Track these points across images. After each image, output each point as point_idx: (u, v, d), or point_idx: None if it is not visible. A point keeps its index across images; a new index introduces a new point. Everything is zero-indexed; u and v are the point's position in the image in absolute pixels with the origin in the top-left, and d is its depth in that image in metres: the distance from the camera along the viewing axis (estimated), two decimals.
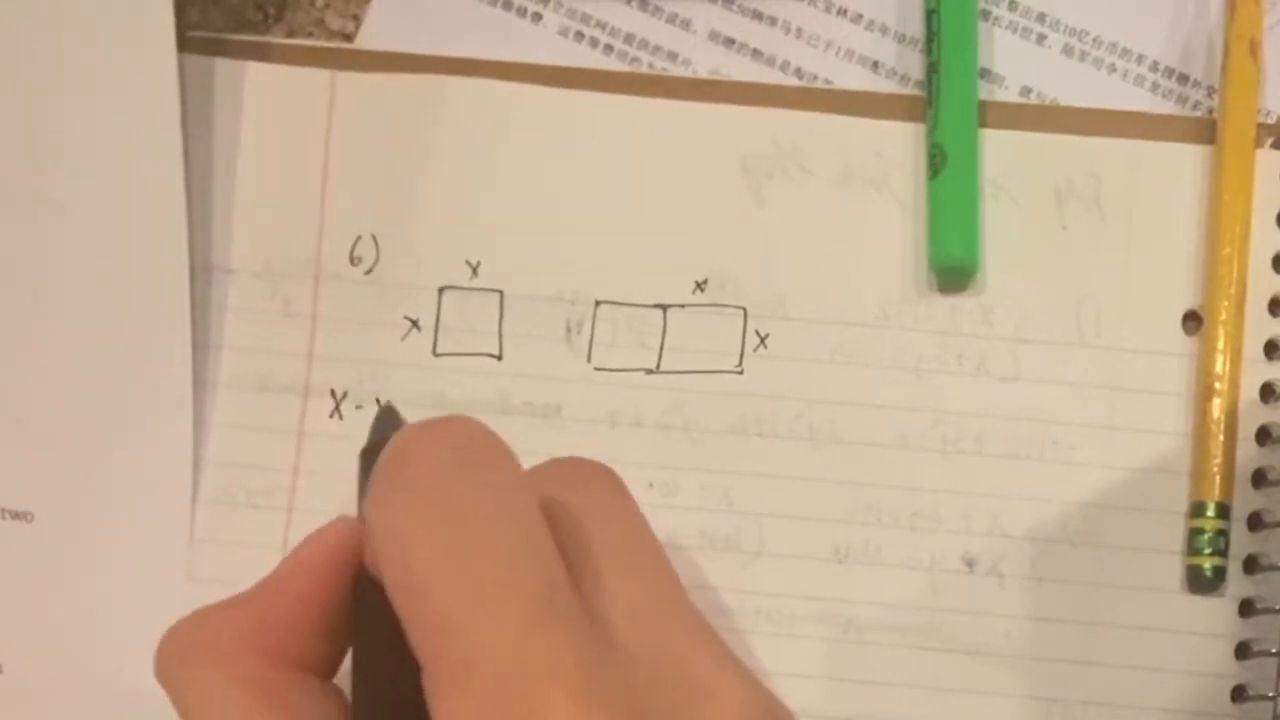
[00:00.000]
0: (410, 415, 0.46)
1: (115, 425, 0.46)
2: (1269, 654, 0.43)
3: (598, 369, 0.46)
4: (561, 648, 0.28)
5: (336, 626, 0.33)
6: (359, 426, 0.46)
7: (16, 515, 0.46)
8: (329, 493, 0.46)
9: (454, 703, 0.27)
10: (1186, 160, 0.47)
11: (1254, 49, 0.47)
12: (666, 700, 0.30)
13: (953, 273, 0.46)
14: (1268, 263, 0.46)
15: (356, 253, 0.47)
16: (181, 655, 0.32)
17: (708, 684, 0.31)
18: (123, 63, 0.46)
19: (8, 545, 0.46)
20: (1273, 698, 0.43)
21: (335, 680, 0.34)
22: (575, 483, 0.34)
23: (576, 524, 0.33)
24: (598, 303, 0.46)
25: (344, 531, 0.34)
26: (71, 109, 0.46)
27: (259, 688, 0.31)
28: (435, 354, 0.46)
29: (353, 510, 0.34)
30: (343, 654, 0.34)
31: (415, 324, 0.47)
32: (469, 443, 0.31)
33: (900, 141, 0.47)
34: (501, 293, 0.47)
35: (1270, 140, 0.47)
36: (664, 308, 0.46)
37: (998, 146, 0.47)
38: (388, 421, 0.43)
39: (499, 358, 0.46)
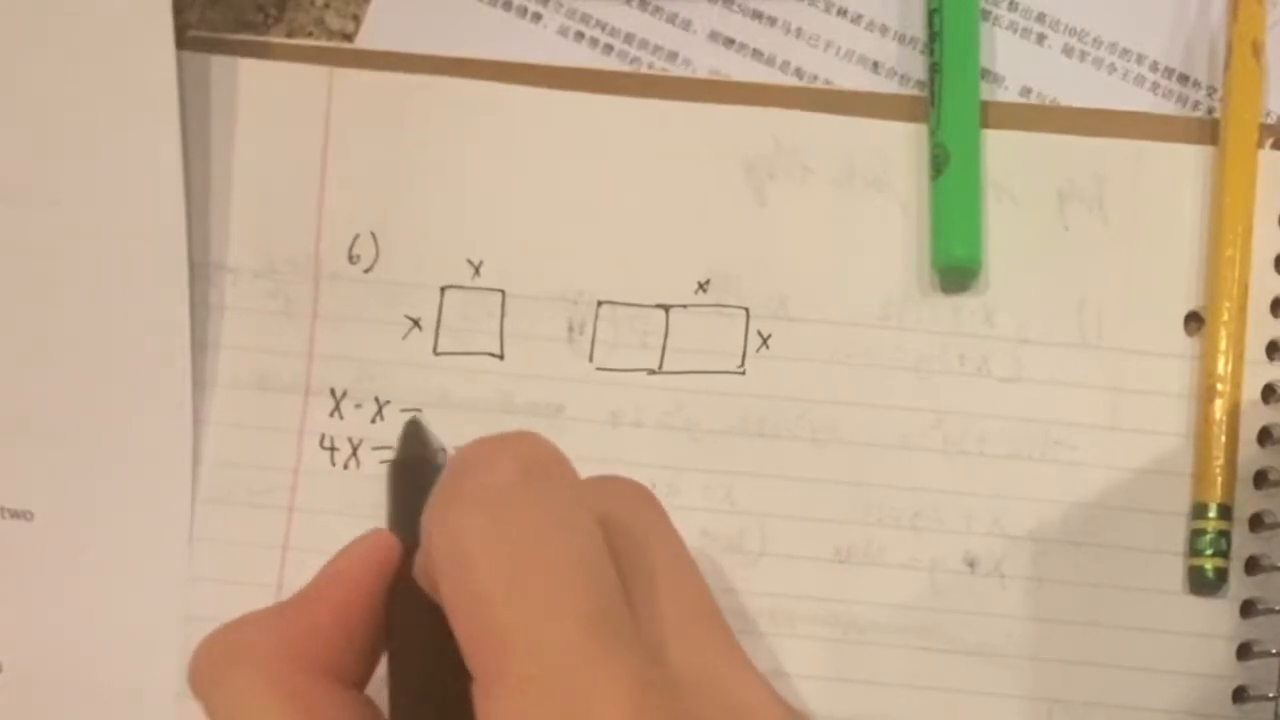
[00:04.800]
0: (411, 415, 0.46)
1: (115, 424, 0.46)
2: (1270, 655, 0.43)
3: (600, 369, 0.46)
4: (616, 666, 0.28)
5: (370, 637, 0.33)
6: (359, 425, 0.46)
7: (16, 515, 0.46)
8: (329, 492, 0.46)
9: (507, 716, 0.28)
10: (1188, 161, 0.47)
11: (1256, 50, 0.47)
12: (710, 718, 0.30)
13: (955, 273, 0.46)
14: (1269, 263, 0.46)
15: (355, 251, 0.47)
16: (215, 661, 0.32)
17: (748, 705, 0.31)
18: (121, 60, 0.46)
19: (8, 545, 0.46)
20: (1274, 698, 0.43)
21: (367, 691, 0.34)
22: (621, 500, 0.35)
23: (631, 541, 0.33)
24: (600, 303, 0.46)
25: (380, 544, 0.34)
26: (70, 107, 0.46)
27: (291, 695, 0.31)
28: (436, 353, 0.46)
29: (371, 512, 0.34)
30: (374, 665, 0.34)
31: (416, 323, 0.47)
32: (534, 459, 0.31)
33: (902, 142, 0.47)
34: (503, 292, 0.47)
35: (1271, 140, 0.47)
36: (666, 308, 0.46)
37: (999, 147, 0.47)
38: (416, 435, 0.43)
39: (501, 357, 0.46)
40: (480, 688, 0.28)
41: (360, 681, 0.34)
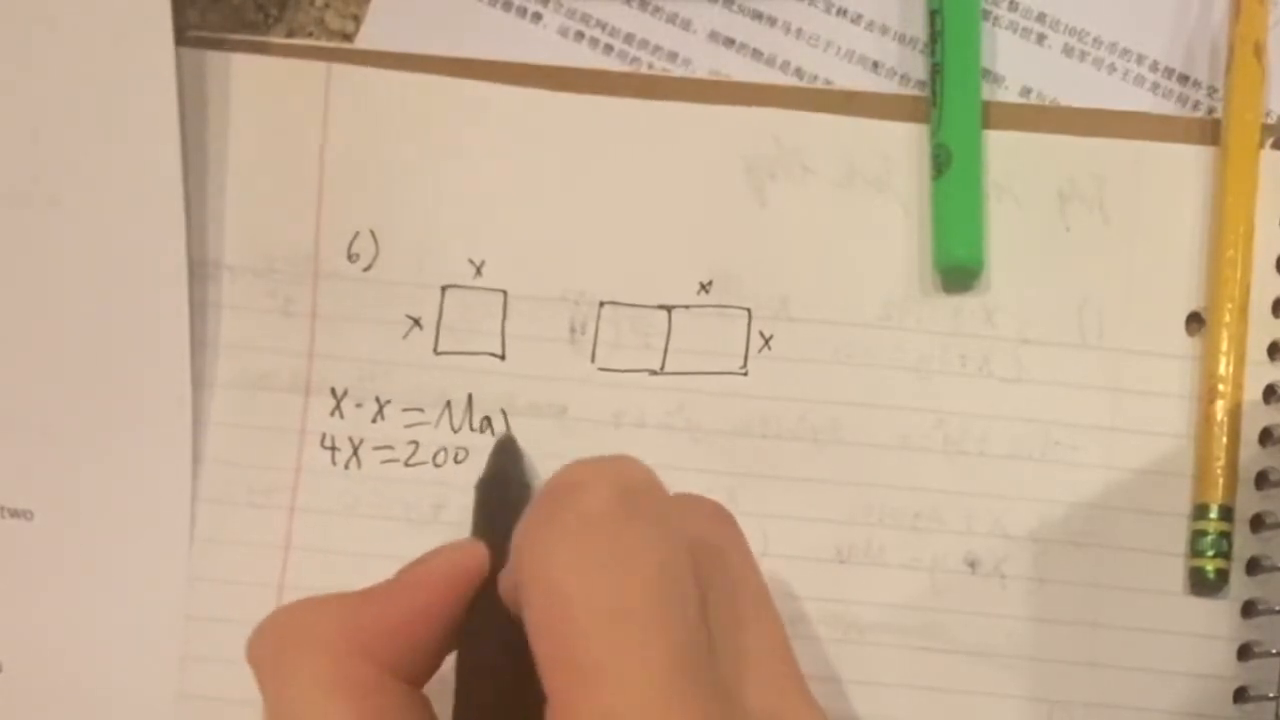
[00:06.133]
0: (411, 415, 0.46)
1: (115, 423, 0.46)
2: (1271, 655, 0.44)
3: (602, 369, 0.46)
4: (697, 707, 0.28)
5: (439, 641, 0.33)
6: (360, 425, 0.46)
7: (16, 514, 0.46)
8: (330, 492, 0.46)
9: None
10: (1190, 161, 0.47)
11: (1258, 50, 0.47)
12: None
13: (957, 273, 0.46)
14: (1271, 264, 0.46)
15: (354, 249, 0.47)
16: (282, 640, 0.32)
17: None
18: (121, 59, 0.46)
19: (8, 544, 0.45)
20: (1275, 699, 0.43)
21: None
22: (707, 523, 0.35)
23: (719, 569, 0.33)
24: (601, 303, 0.46)
25: (472, 554, 0.34)
26: (70, 106, 0.46)
27: (356, 685, 0.31)
28: (437, 353, 0.46)
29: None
30: (436, 668, 0.34)
31: (417, 322, 0.47)
32: (633, 486, 0.31)
33: (902, 142, 0.47)
34: (505, 293, 0.47)
35: (1272, 141, 0.47)
36: (668, 308, 0.46)
37: (1000, 147, 0.47)
38: (507, 452, 0.43)
39: (502, 358, 0.46)
40: (555, 712, 0.28)
41: (420, 680, 0.34)
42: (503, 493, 0.39)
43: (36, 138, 0.46)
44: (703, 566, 0.31)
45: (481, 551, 0.34)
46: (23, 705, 0.45)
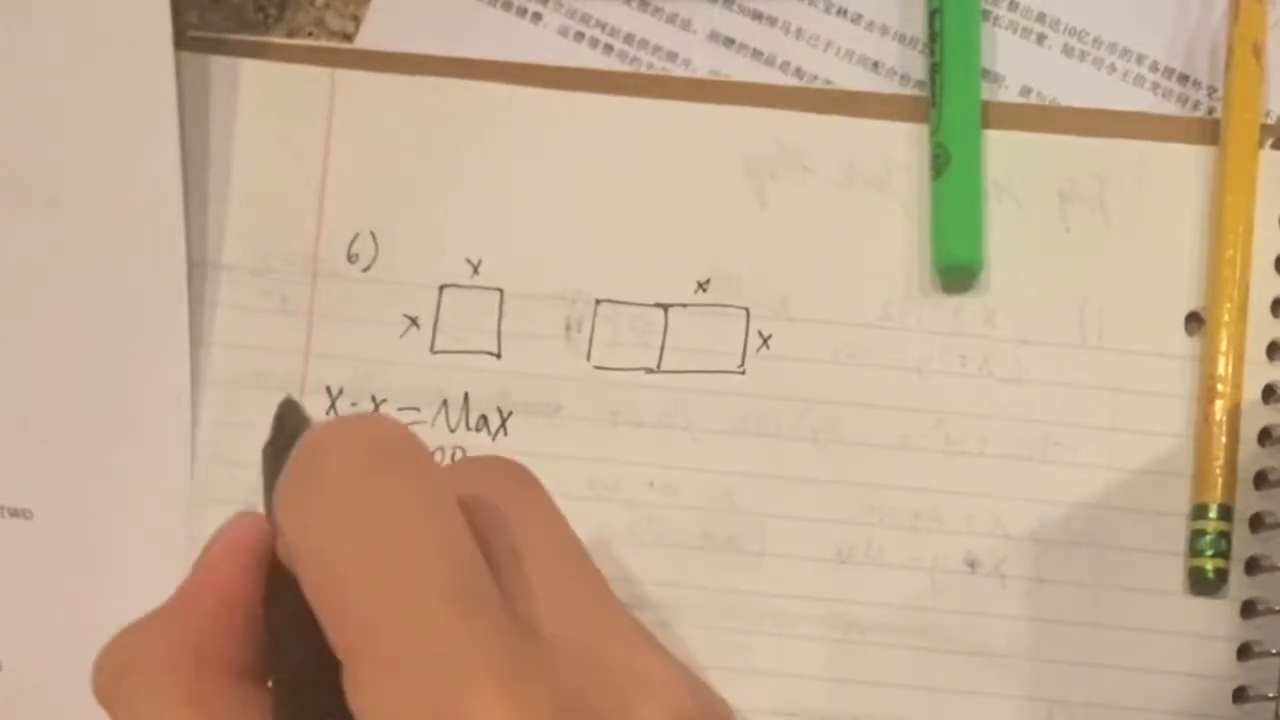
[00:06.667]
0: (407, 414, 0.46)
1: (114, 423, 0.46)
2: (1270, 655, 0.43)
3: (598, 368, 0.46)
4: (485, 641, 0.27)
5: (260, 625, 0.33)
6: None
7: (16, 513, 0.46)
8: None
9: (377, 699, 0.27)
10: (1189, 161, 0.47)
11: (1257, 50, 0.46)
12: (594, 690, 0.29)
13: (956, 273, 0.46)
14: (1270, 264, 0.46)
15: (354, 250, 0.47)
16: (121, 671, 0.31)
17: (635, 671, 0.30)
18: (120, 59, 0.46)
19: (8, 543, 0.45)
20: (1274, 699, 0.43)
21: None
22: (490, 480, 0.34)
23: (496, 520, 0.32)
24: (598, 301, 0.46)
25: (249, 527, 0.33)
26: (69, 106, 0.46)
27: (197, 699, 0.30)
28: (433, 351, 0.46)
29: None
30: None
31: (414, 321, 0.47)
32: (383, 441, 0.30)
33: (903, 142, 0.47)
34: (501, 291, 0.47)
35: (1272, 140, 0.47)
36: (665, 307, 0.46)
37: (1000, 147, 0.47)
38: (290, 416, 0.42)
39: (498, 356, 0.46)
40: (348, 674, 0.28)
41: (262, 675, 0.33)
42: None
43: (38, 139, 0.46)
44: (481, 520, 0.31)
45: (256, 520, 0.33)
46: (23, 705, 0.45)
